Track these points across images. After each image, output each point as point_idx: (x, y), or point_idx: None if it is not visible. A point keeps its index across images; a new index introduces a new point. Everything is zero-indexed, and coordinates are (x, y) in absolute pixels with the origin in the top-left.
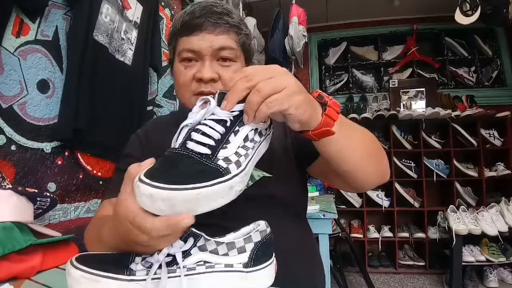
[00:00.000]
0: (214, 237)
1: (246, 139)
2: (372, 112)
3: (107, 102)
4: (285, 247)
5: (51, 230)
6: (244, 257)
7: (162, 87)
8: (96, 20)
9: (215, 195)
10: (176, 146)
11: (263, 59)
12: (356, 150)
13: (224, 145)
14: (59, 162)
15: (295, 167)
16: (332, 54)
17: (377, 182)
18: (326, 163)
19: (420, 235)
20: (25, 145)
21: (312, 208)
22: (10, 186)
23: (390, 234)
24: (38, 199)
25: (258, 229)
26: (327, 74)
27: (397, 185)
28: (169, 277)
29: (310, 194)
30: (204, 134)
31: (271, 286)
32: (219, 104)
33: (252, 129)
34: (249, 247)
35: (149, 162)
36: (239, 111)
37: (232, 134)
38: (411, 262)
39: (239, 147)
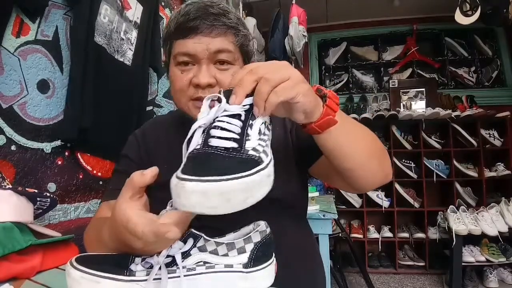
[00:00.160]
0: (214, 237)
1: (260, 132)
2: (372, 112)
3: (107, 102)
4: (285, 247)
5: (51, 230)
6: (244, 258)
7: (162, 87)
8: (95, 21)
9: (261, 183)
10: (198, 147)
11: (263, 59)
12: (358, 146)
13: (247, 137)
14: (59, 162)
15: (296, 167)
16: (332, 54)
17: (379, 182)
18: (328, 163)
19: (420, 235)
20: (25, 145)
21: (312, 208)
22: (10, 186)
23: (390, 234)
24: (38, 199)
25: (258, 230)
26: (327, 74)
27: (397, 185)
28: (169, 278)
29: (310, 194)
30: (224, 129)
31: (271, 286)
32: (226, 101)
33: (263, 123)
34: (249, 247)
35: (152, 170)
36: (249, 104)
37: (249, 128)
38: (411, 263)
39: (258, 139)
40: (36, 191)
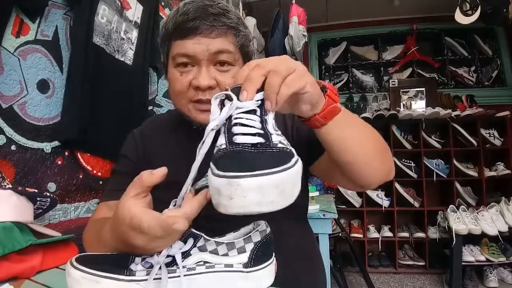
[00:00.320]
0: (214, 237)
1: (273, 126)
2: (372, 112)
3: (107, 102)
4: (285, 247)
5: (51, 230)
6: (244, 257)
7: (162, 87)
8: (93, 21)
9: (300, 172)
10: (223, 147)
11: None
12: (361, 138)
13: (270, 132)
14: (59, 162)
15: None
16: (332, 54)
17: (382, 179)
18: (329, 161)
19: (420, 235)
20: (25, 145)
21: (312, 208)
22: (10, 186)
23: (390, 234)
24: (38, 199)
25: (258, 229)
26: (327, 74)
27: (397, 185)
28: (169, 277)
29: (310, 194)
30: (246, 125)
31: (271, 286)
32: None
33: (273, 118)
34: (249, 247)
35: (161, 170)
36: (260, 100)
37: (266, 122)
38: (411, 262)
39: (277, 134)
40: (36, 191)
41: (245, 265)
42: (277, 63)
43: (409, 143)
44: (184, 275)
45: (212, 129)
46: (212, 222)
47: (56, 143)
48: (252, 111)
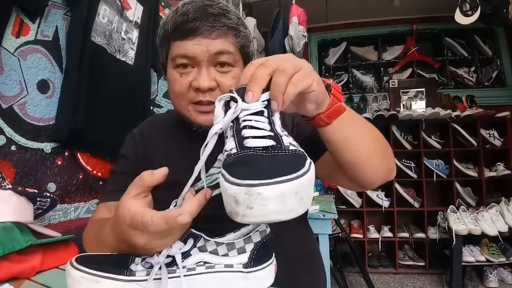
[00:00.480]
0: (214, 237)
1: (280, 127)
2: (372, 112)
3: (108, 102)
4: (285, 247)
5: (51, 230)
6: (244, 258)
7: (162, 87)
8: (94, 21)
9: (314, 176)
10: (234, 152)
11: None
12: (364, 138)
13: (279, 133)
14: (59, 162)
15: None
16: (332, 54)
17: (384, 179)
18: (330, 160)
19: (420, 235)
20: (25, 145)
21: (312, 208)
22: (10, 186)
23: (390, 234)
24: (38, 199)
25: (258, 230)
26: (327, 74)
27: (397, 185)
28: (169, 278)
29: None
30: (255, 128)
31: (271, 286)
32: (242, 99)
33: (280, 118)
34: (249, 247)
35: (162, 170)
36: (267, 100)
37: (273, 124)
38: (411, 262)
39: (285, 135)
40: (36, 191)
41: (245, 266)
42: (282, 61)
43: (409, 144)
44: (184, 275)
45: (216, 133)
46: (212, 223)
47: (56, 143)
48: (260, 113)
